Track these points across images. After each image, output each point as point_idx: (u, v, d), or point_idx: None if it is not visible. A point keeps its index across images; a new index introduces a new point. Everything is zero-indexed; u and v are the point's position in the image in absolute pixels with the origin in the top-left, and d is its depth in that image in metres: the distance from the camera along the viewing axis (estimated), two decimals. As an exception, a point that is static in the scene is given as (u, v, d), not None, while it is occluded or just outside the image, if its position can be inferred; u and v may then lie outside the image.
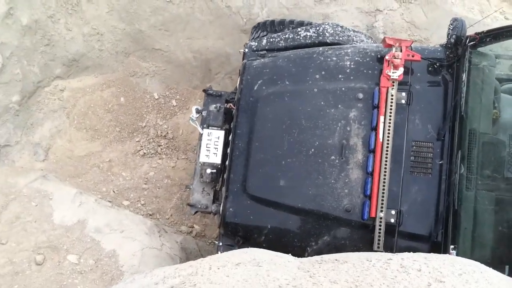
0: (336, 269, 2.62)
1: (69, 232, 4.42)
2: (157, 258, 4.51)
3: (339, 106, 4.11)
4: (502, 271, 3.38)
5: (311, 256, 3.10)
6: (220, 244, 4.19)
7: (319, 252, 3.88)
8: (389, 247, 3.88)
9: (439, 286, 2.37)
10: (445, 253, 3.74)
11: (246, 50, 4.53)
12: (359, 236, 3.98)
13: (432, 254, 2.74)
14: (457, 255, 3.67)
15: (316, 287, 2.41)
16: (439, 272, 2.46)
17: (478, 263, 2.74)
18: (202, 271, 2.71)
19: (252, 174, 4.08)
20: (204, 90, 4.54)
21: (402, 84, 4.09)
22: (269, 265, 2.71)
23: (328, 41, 4.50)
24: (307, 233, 4.02)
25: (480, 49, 4.06)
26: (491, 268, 2.70)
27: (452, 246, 3.73)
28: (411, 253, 2.77)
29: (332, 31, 4.55)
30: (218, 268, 2.72)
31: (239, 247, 3.97)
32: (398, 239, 3.90)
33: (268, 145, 4.11)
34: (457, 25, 4.12)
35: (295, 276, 2.55)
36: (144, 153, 5.70)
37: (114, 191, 5.49)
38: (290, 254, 3.10)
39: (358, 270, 2.56)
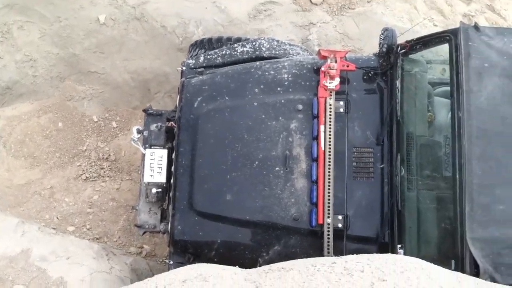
0: (282, 277, 2.64)
1: (13, 262, 4.27)
2: (107, 282, 4.41)
3: (280, 118, 4.17)
4: (449, 266, 3.51)
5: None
6: (171, 262, 4.14)
7: (270, 262, 3.86)
8: (339, 251, 3.93)
9: (382, 284, 2.43)
10: (393, 253, 3.83)
11: (184, 68, 4.53)
12: (309, 243, 4.03)
13: (375, 254, 2.81)
14: (404, 254, 3.78)
15: (264, 296, 2.42)
16: (381, 272, 2.52)
17: (420, 260, 2.82)
18: (149, 291, 2.68)
19: (197, 190, 4.07)
20: (144, 110, 4.50)
21: (339, 94, 4.19)
22: (216, 279, 2.71)
23: (265, 55, 4.57)
24: (258, 244, 4.04)
25: (411, 56, 4.21)
26: (432, 264, 2.78)
27: (399, 246, 3.84)
28: (355, 255, 2.83)
29: (268, 45, 4.62)
30: (165, 287, 2.69)
31: (190, 264, 3.94)
32: (347, 243, 3.98)
33: (212, 161, 4.11)
34: (387, 34, 4.26)
35: (241, 287, 2.56)
36: (87, 177, 5.59)
37: (57, 218, 5.35)
38: (237, 267, 3.10)
39: (303, 276, 2.59)
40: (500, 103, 3.61)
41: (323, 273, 2.62)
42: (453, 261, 3.51)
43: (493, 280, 3.31)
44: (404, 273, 2.53)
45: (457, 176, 3.53)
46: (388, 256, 2.76)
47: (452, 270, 3.44)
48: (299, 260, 3.03)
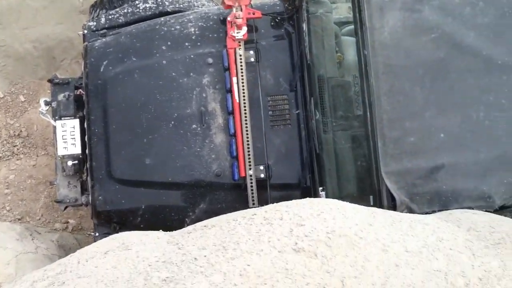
0: (204, 235, 2.65)
1: None
2: (34, 262, 4.29)
3: (191, 74, 4.09)
4: (368, 202, 3.64)
5: (192, 226, 3.11)
6: (97, 234, 4.07)
7: (198, 221, 3.85)
8: (264, 201, 3.95)
9: (300, 229, 2.48)
10: (316, 196, 3.93)
11: (85, 31, 4.33)
12: (234, 197, 4.05)
13: (293, 201, 2.85)
14: (326, 195, 3.87)
15: (186, 257, 2.43)
16: (299, 217, 2.58)
17: (336, 200, 2.90)
18: (71, 267, 2.63)
19: (115, 158, 3.98)
20: (49, 80, 4.30)
21: (248, 43, 4.13)
22: (139, 246, 2.68)
23: (169, 10, 4.42)
24: (183, 204, 4.03)
25: (315, -2, 4.20)
26: (347, 203, 2.87)
27: (320, 188, 3.92)
28: (274, 204, 2.87)
29: (171, -1, 4.49)
30: (87, 261, 2.65)
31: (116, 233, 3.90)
32: (271, 192, 4.02)
33: (126, 126, 4.01)
34: None
35: (164, 251, 2.55)
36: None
37: (-27, 203, 5.13)
38: (161, 230, 3.09)
39: (225, 232, 2.61)
40: (403, 36, 3.66)
41: (244, 226, 2.65)
42: (371, 197, 3.64)
43: (410, 210, 3.46)
44: (320, 215, 2.59)
45: (368, 114, 3.60)
46: (306, 200, 2.82)
47: (371, 205, 3.58)
48: (222, 216, 3.04)
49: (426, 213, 3.42)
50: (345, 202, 2.88)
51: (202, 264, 2.39)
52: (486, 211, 3.50)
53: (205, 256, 2.45)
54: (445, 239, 2.62)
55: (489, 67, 3.63)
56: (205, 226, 2.82)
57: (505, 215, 3.68)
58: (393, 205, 3.47)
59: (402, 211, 3.42)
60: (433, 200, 3.51)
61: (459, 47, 3.65)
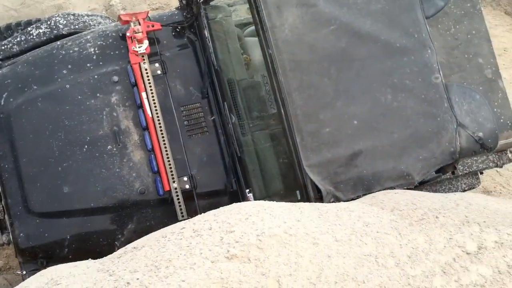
0: (135, 257, 2.58)
1: None
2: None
3: (98, 94, 3.99)
4: (296, 196, 3.68)
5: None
6: (24, 272, 3.89)
7: (128, 242, 3.81)
8: (193, 212, 3.94)
9: (230, 236, 2.47)
10: (244, 199, 3.94)
11: (-21, 66, 4.12)
12: (162, 212, 3.99)
13: (220, 208, 2.84)
14: (254, 197, 3.89)
15: (118, 283, 2.35)
16: (228, 223, 2.57)
17: (262, 201, 2.92)
18: (-2, 314, 2.48)
19: (30, 191, 3.81)
20: None
21: (152, 56, 4.08)
22: (68, 279, 2.57)
23: (64, 32, 4.29)
24: (110, 228, 3.92)
25: (212, 3, 4.18)
26: (274, 202, 2.89)
27: (247, 190, 3.93)
28: (202, 214, 2.85)
29: (64, 21, 4.33)
30: (15, 304, 2.51)
31: (45, 268, 3.73)
32: (199, 201, 4.00)
33: (37, 157, 3.85)
34: None
35: (95, 280, 2.46)
36: None
37: None
38: (90, 259, 2.99)
39: (155, 251, 2.56)
40: (303, 32, 3.71)
41: (174, 241, 2.60)
42: (298, 192, 3.68)
43: (337, 199, 3.53)
44: (248, 219, 2.59)
45: (282, 111, 3.64)
46: (232, 206, 2.81)
47: (299, 199, 3.63)
48: (151, 234, 2.98)
49: (352, 199, 3.50)
50: (271, 202, 2.91)
51: (136, 288, 2.32)
52: (407, 188, 3.64)
53: (138, 279, 2.38)
54: (371, 223, 2.69)
55: (389, 51, 3.76)
56: (134, 247, 2.75)
57: (426, 190, 3.87)
58: (319, 196, 3.54)
59: (329, 201, 3.48)
60: (356, 185, 3.60)
61: (358, 35, 3.75)
